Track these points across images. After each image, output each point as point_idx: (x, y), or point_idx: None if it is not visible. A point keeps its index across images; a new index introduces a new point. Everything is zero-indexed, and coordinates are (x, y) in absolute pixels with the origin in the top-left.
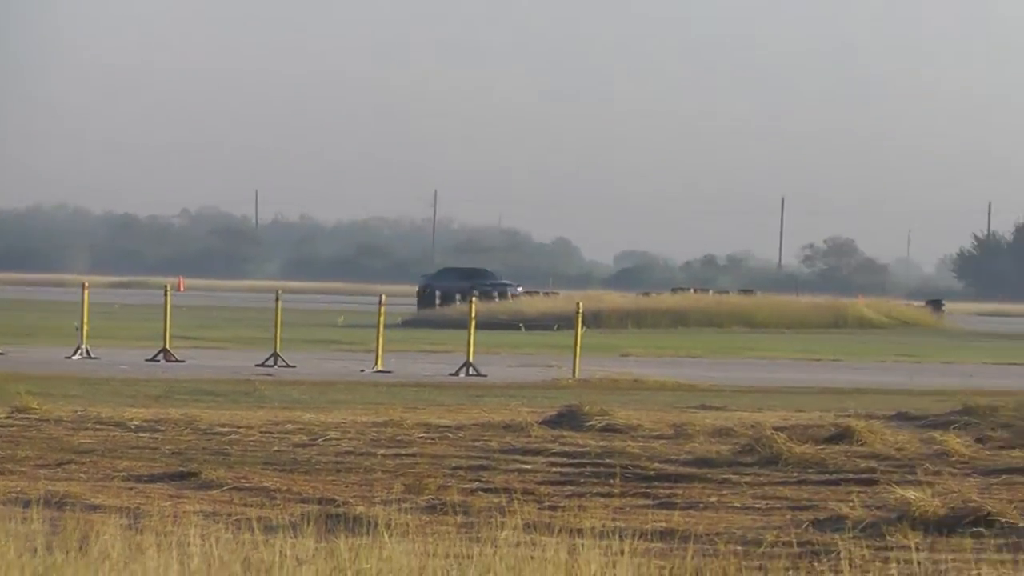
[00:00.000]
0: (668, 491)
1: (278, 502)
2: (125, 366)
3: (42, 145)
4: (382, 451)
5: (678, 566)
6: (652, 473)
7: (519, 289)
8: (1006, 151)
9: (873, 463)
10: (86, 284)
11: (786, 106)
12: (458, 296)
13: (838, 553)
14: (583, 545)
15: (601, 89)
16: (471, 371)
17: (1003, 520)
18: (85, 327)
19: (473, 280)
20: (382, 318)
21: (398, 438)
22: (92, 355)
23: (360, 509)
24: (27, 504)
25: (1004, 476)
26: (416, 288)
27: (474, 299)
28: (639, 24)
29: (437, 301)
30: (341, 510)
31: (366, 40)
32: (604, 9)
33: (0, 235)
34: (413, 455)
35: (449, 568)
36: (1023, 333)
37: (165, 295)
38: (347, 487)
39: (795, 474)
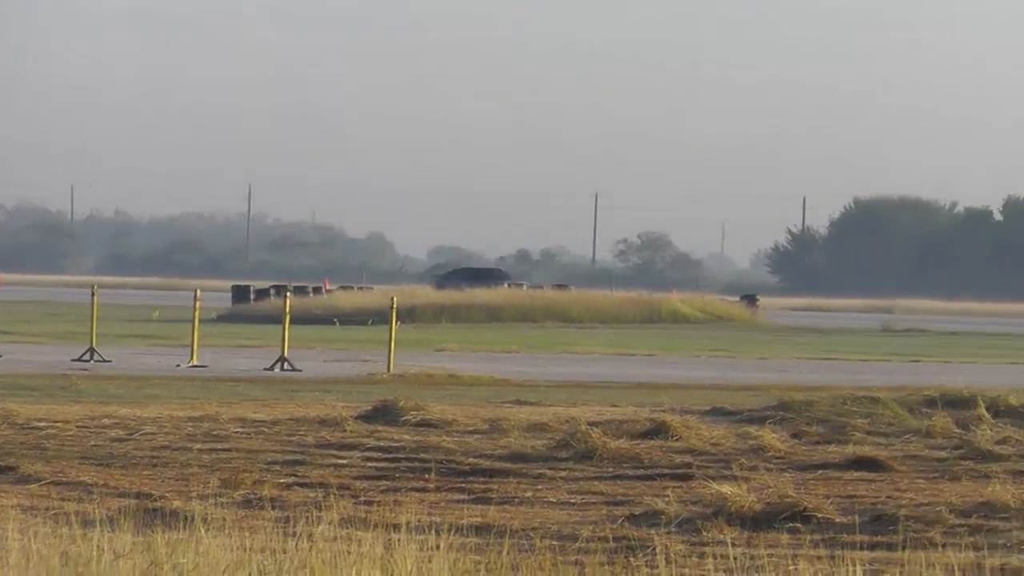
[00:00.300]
0: (483, 486)
1: (95, 496)
2: None
3: None
4: (198, 446)
5: (494, 561)
6: (467, 468)
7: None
8: (821, 145)
9: (688, 458)
10: None
11: (597, 101)
12: None
13: (654, 548)
14: (399, 540)
15: (413, 86)
16: (286, 366)
17: (819, 515)
18: None
19: (487, 280)
20: (197, 313)
21: (214, 433)
22: None
23: (177, 503)
24: None
25: (820, 471)
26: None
27: (288, 294)
28: (449, 21)
29: (252, 296)
30: (158, 504)
31: (179, 37)
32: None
33: None
34: (229, 450)
35: (265, 563)
36: (837, 328)
37: None
38: (164, 482)
39: (610, 469)
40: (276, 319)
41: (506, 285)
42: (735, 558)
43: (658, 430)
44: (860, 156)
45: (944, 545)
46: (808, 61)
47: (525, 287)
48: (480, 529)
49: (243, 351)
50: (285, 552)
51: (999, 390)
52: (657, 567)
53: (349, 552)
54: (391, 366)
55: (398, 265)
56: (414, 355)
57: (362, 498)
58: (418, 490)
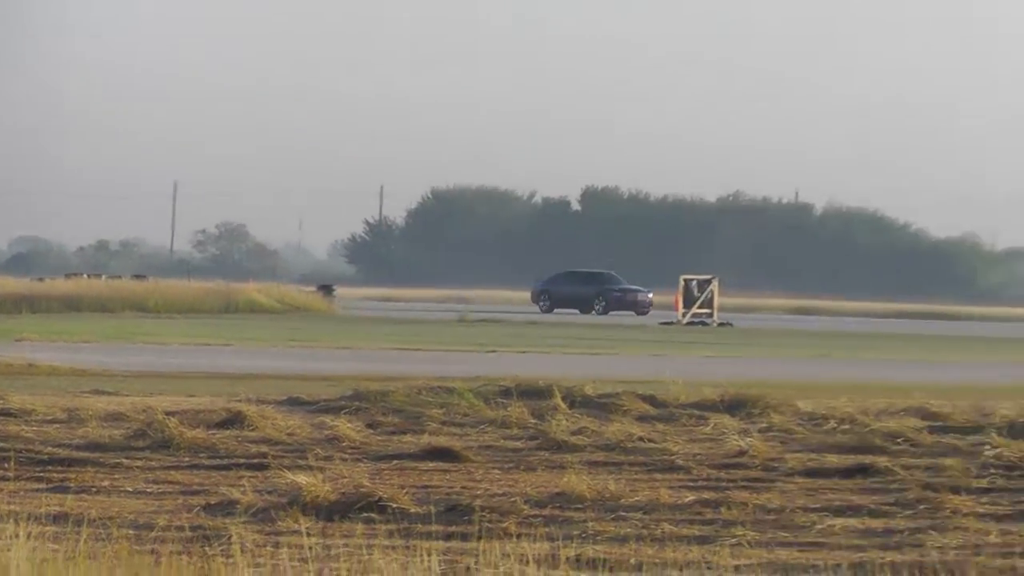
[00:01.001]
0: (62, 475)
1: None
2: None
3: None
4: None
5: (72, 550)
6: (46, 457)
7: (650, 295)
8: (399, 137)
9: (264, 448)
10: None
11: (173, 91)
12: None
13: (229, 537)
14: None
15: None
16: None
17: (394, 505)
18: None
19: (599, 285)
20: None
21: None
22: None
23: None
24: None
25: (395, 461)
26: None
27: None
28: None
29: None
30: None
31: None
32: None
33: None
34: None
35: None
36: (415, 319)
37: None
38: None
39: (187, 459)
40: None
41: (615, 290)
42: (310, 548)
43: (234, 420)
44: (440, 147)
45: (519, 536)
46: (383, 60)
47: (649, 295)
48: (58, 518)
49: None
50: None
51: (575, 380)
52: (232, 556)
53: None
54: None
55: None
56: None
57: None
58: None
